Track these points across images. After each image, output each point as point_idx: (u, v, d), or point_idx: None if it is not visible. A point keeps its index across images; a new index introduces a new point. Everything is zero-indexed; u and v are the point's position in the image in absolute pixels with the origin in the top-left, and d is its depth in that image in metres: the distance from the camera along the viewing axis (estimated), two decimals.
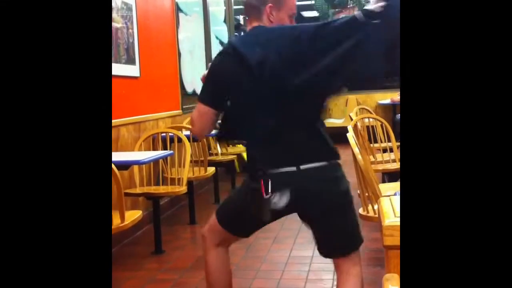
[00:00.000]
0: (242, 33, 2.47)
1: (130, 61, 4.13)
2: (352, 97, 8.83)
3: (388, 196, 1.69)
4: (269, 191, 1.78)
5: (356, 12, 1.78)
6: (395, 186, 3.18)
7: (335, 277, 2.97)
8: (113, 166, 2.64)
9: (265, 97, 1.80)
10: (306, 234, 3.81)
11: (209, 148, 5.12)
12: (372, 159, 3.96)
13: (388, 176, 4.16)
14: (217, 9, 7.09)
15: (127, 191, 3.59)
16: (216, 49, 6.84)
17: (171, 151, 3.69)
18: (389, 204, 1.42)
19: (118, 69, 3.91)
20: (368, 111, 5.44)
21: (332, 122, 8.83)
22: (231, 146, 6.10)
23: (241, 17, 8.65)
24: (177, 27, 5.28)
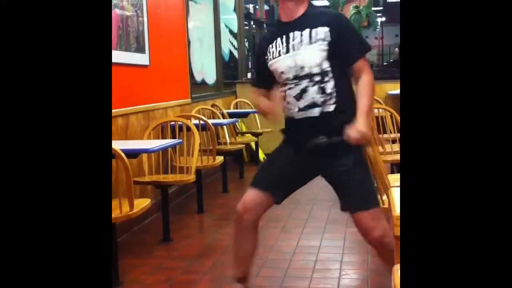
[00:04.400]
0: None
1: (140, 49, 4.13)
2: None
3: (398, 186, 1.68)
4: None
5: None
6: None
7: (342, 267, 2.98)
8: (122, 154, 2.65)
9: None
10: (314, 224, 3.82)
11: (218, 137, 5.12)
12: (381, 149, 3.94)
13: (397, 167, 4.14)
14: None
15: (136, 179, 3.60)
16: (225, 38, 6.82)
17: (180, 140, 3.69)
18: (399, 195, 1.42)
19: (127, 57, 3.91)
20: (378, 101, 5.41)
21: None
22: (239, 135, 6.10)
23: (250, 6, 8.60)
24: (187, 16, 5.26)
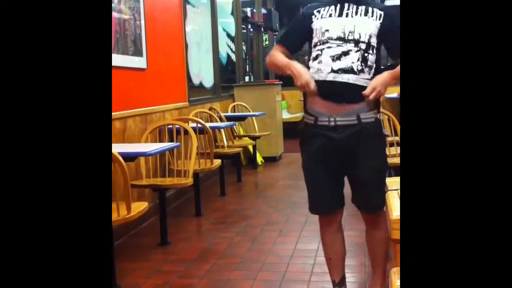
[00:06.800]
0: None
1: (137, 52, 4.13)
2: None
3: (395, 190, 1.69)
4: None
5: None
6: None
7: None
8: (119, 157, 2.65)
9: None
10: (311, 227, 3.81)
11: (216, 141, 5.12)
12: None
13: (395, 170, 4.15)
14: (225, 1, 7.07)
15: (134, 182, 3.60)
16: (223, 41, 6.83)
17: (178, 143, 3.69)
18: (396, 198, 1.42)
19: (125, 60, 3.91)
20: None
21: None
22: (236, 139, 6.10)
23: (248, 10, 8.61)
24: (185, 19, 5.27)
